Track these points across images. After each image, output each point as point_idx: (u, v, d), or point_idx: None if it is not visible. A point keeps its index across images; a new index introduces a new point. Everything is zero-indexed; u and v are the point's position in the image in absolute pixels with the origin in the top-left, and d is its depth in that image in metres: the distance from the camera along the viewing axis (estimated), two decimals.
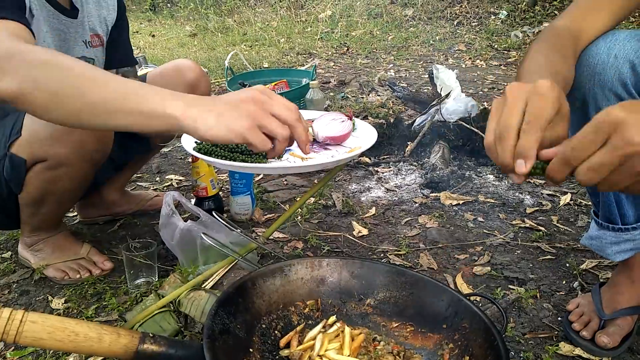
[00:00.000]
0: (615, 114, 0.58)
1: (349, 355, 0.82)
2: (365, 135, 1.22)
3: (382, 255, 1.54)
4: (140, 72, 1.71)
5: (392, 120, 2.45)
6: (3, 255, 1.56)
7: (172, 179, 2.17)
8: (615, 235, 1.11)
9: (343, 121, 1.17)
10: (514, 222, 1.73)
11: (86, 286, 1.38)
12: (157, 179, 2.19)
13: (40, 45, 1.10)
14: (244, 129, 0.77)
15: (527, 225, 1.71)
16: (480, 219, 1.77)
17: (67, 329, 0.65)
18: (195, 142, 1.14)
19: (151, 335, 0.71)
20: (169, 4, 7.71)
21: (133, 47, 1.62)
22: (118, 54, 1.44)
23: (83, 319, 1.11)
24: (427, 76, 3.18)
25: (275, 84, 2.69)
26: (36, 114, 0.84)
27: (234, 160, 1.05)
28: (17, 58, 0.80)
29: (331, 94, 3.48)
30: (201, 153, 1.08)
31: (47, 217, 1.35)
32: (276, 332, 0.92)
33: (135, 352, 0.69)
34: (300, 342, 0.90)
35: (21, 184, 1.22)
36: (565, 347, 1.14)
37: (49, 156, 1.16)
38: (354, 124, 1.24)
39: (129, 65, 1.46)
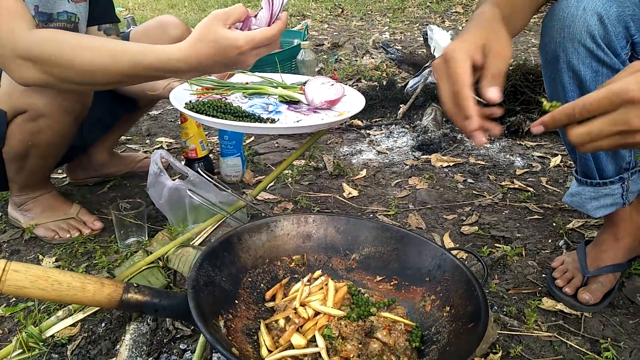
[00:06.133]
0: (631, 93, 0.61)
1: (332, 306, 0.83)
2: (353, 100, 1.22)
3: (371, 215, 1.55)
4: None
5: (384, 83, 2.42)
6: None
7: (162, 142, 2.15)
8: (594, 190, 1.12)
9: (332, 85, 1.17)
10: (503, 184, 1.74)
11: (76, 245, 1.39)
12: (147, 141, 2.18)
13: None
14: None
15: (516, 186, 1.72)
16: (470, 180, 1.78)
17: (50, 278, 0.65)
18: (186, 103, 1.13)
19: (135, 285, 0.72)
20: None
21: (122, 8, 1.57)
22: (99, 10, 1.40)
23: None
24: (422, 39, 3.13)
25: None
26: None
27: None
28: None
29: (324, 56, 3.43)
30: (191, 112, 1.07)
31: (33, 173, 1.35)
32: (262, 285, 0.93)
33: (119, 301, 0.70)
34: (285, 295, 0.91)
35: (3, 137, 1.22)
36: (547, 302, 1.16)
37: (28, 107, 1.15)
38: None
39: (111, 22, 1.42)
